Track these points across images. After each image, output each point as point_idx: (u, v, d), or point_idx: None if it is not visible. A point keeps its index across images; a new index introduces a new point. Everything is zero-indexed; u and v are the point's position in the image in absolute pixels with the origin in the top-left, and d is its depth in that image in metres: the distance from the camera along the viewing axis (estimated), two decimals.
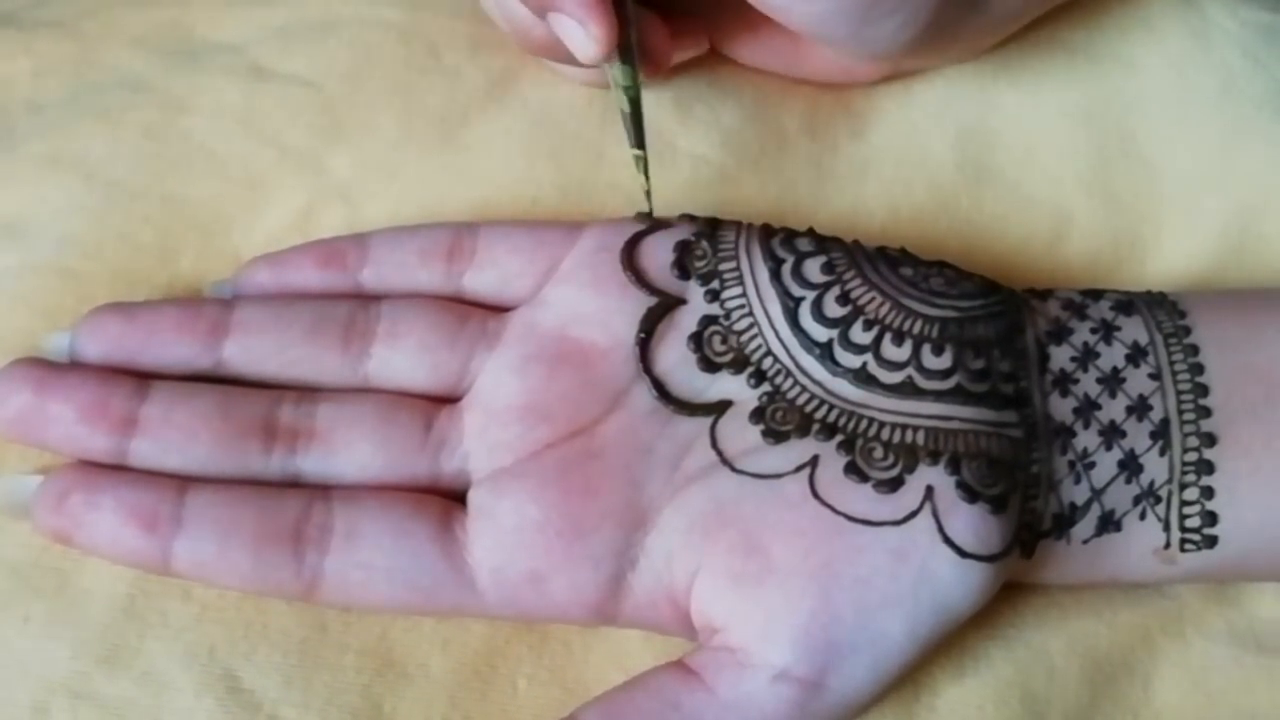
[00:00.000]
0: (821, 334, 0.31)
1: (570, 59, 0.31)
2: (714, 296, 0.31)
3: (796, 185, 0.36)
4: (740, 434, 0.30)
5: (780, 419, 0.30)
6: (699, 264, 0.32)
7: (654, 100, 0.36)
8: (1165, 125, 0.37)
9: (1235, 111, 0.37)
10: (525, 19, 0.32)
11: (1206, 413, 0.30)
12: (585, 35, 0.30)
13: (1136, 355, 0.31)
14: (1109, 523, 0.30)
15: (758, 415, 0.30)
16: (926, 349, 0.30)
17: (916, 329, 0.31)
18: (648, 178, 0.33)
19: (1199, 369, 0.31)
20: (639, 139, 0.32)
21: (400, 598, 0.30)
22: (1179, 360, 0.31)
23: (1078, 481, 0.30)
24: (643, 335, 0.31)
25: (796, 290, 0.31)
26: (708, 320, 0.31)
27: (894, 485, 0.29)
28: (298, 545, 0.29)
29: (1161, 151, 0.37)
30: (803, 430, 0.30)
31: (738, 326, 0.31)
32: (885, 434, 0.30)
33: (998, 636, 0.31)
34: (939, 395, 0.30)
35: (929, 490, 0.29)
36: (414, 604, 0.30)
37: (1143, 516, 0.30)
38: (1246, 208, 0.36)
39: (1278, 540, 0.30)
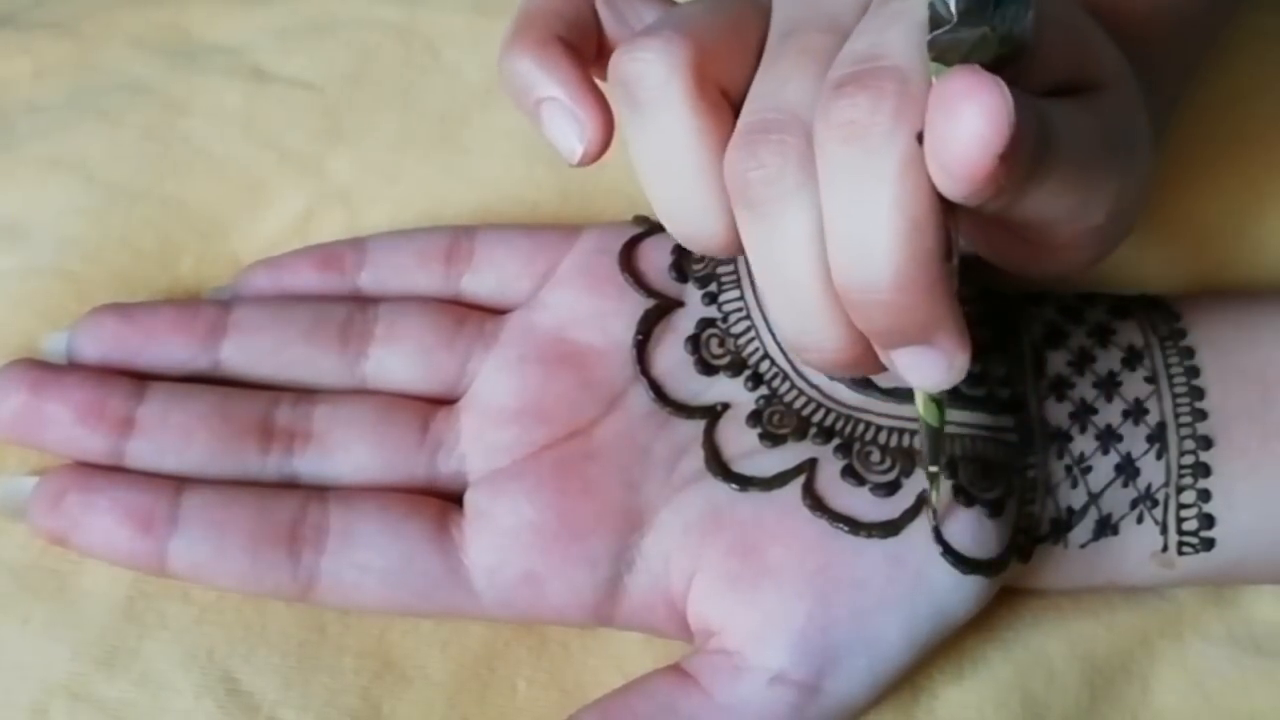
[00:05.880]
0: None
1: (868, 371, 0.25)
2: (711, 299, 0.31)
3: None
4: (737, 437, 0.30)
5: (777, 422, 0.30)
6: (697, 267, 0.32)
7: None
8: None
9: (1234, 114, 0.37)
10: (838, 340, 0.24)
11: (1203, 415, 0.30)
12: (950, 367, 0.24)
13: (1132, 359, 0.31)
14: (1106, 527, 0.30)
15: (755, 418, 0.30)
16: None
17: None
18: (939, 492, 0.28)
19: (1195, 372, 0.31)
20: (936, 455, 0.28)
21: (396, 598, 0.30)
22: (1175, 363, 0.31)
23: (1074, 486, 0.30)
24: (640, 337, 0.31)
25: None
26: (705, 323, 0.31)
27: (891, 489, 0.29)
28: (294, 546, 0.29)
29: (1158, 153, 0.37)
30: (800, 434, 0.30)
31: (735, 329, 0.31)
32: (882, 438, 0.30)
33: (996, 639, 0.31)
34: None
35: (926, 494, 0.29)
36: (410, 605, 0.30)
37: (1140, 520, 0.30)
38: (1244, 211, 0.36)
39: (1275, 542, 0.30)
